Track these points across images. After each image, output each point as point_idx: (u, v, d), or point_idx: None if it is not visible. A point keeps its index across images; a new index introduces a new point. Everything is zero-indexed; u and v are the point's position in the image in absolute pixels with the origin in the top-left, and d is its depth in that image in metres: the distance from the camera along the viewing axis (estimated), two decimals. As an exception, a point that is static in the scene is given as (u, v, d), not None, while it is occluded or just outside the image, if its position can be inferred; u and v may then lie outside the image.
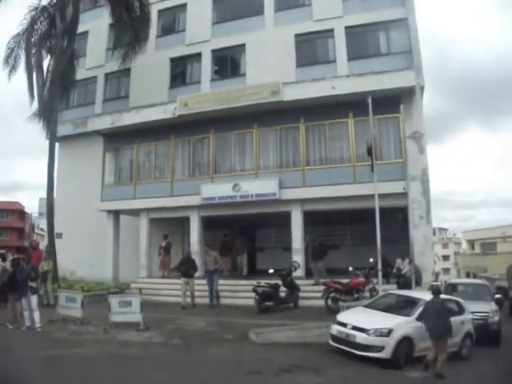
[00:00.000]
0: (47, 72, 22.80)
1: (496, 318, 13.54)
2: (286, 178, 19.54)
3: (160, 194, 21.59)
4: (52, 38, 22.85)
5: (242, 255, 21.12)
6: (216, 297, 17.18)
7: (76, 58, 25.17)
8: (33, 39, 22.37)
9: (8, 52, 22.57)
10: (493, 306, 14.16)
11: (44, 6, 22.68)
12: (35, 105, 22.89)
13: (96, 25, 28.04)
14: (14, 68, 22.61)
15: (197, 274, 17.93)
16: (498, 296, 15.51)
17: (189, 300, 17.23)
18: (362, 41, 22.23)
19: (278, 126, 20.34)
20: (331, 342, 10.90)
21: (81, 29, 23.97)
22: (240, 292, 17.95)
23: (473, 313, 12.46)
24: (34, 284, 13.01)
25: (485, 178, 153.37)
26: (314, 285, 17.13)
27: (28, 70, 22.06)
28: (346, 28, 22.29)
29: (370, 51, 22.09)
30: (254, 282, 16.41)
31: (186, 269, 17.22)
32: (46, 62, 23.14)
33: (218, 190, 20.32)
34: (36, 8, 22.45)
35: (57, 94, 22.33)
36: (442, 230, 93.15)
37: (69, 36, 22.22)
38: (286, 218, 19.98)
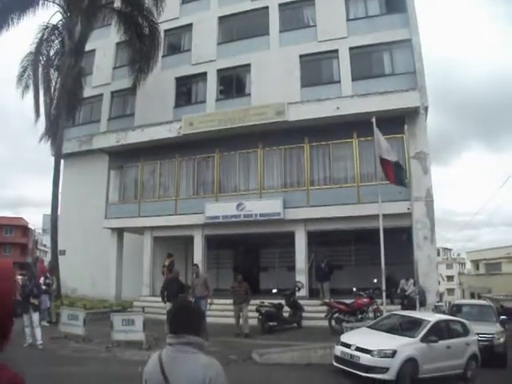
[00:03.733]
0: (54, 90, 23.05)
1: (501, 340, 13.41)
2: (290, 198, 19.65)
3: (164, 213, 21.74)
4: (60, 56, 23.15)
5: (244, 304, 15.74)
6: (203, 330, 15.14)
7: (83, 76, 25.47)
8: (42, 57, 22.65)
9: (21, 71, 22.86)
10: (498, 328, 14.05)
11: (54, 25, 22.99)
12: (40, 122, 23.12)
13: (103, 43, 28.47)
14: (27, 86, 22.84)
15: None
16: (503, 317, 15.39)
17: None
18: (366, 61, 22.44)
19: (283, 146, 20.53)
20: (335, 363, 10.79)
21: (88, 47, 24.31)
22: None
23: (478, 334, 12.34)
24: (35, 301, 13.01)
25: (489, 198, 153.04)
26: (321, 305, 16.90)
27: (35, 88, 22.34)
28: (351, 49, 22.55)
29: (374, 72, 22.28)
30: (258, 302, 16.35)
31: (172, 292, 14.83)
32: (54, 79, 23.44)
33: (222, 209, 20.42)
34: (46, 27, 22.75)
35: (63, 111, 22.54)
36: (446, 250, 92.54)
37: (76, 54, 22.49)
38: (289, 238, 20.03)
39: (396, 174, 14.91)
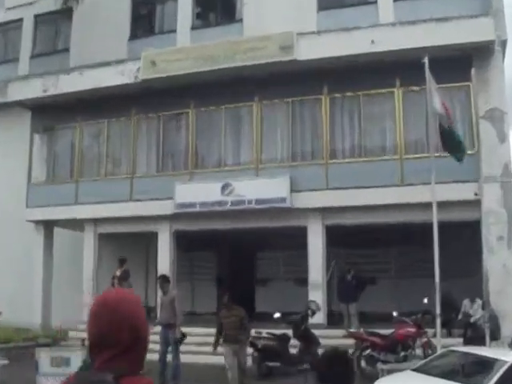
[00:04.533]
0: None
1: None
2: (301, 177, 19.62)
3: (114, 198, 21.65)
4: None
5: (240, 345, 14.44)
6: (173, 377, 14.38)
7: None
8: None
9: None
10: None
11: None
12: None
13: None
14: None
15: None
16: None
17: None
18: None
19: (290, 99, 20.47)
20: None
21: None
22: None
23: None
24: None
25: None
26: (346, 337, 16.83)
27: None
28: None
29: (427, -13, 21.90)
30: (252, 332, 15.95)
31: None
32: None
33: (199, 192, 20.41)
34: None
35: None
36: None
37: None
38: (299, 237, 20.00)
39: (447, 140, 14.79)
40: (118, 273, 20.86)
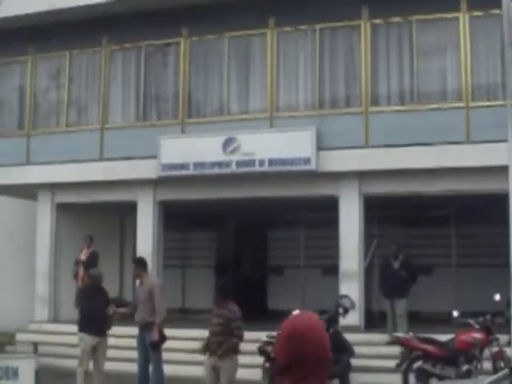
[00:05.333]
0: None
1: None
2: (331, 130, 19.49)
3: (78, 157, 21.66)
4: None
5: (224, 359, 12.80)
6: None
7: None
8: None
9: None
10: None
11: None
12: None
13: None
14: None
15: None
16: None
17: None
18: None
19: (318, 25, 20.22)
20: None
21: None
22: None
23: None
24: None
25: None
26: (389, 343, 16.78)
27: None
28: None
29: None
30: (263, 337, 15.92)
31: (94, 316, 14.68)
32: None
33: (193, 149, 20.36)
34: None
35: None
36: None
37: None
38: (328, 210, 20.03)
39: None
40: (83, 256, 20.91)
